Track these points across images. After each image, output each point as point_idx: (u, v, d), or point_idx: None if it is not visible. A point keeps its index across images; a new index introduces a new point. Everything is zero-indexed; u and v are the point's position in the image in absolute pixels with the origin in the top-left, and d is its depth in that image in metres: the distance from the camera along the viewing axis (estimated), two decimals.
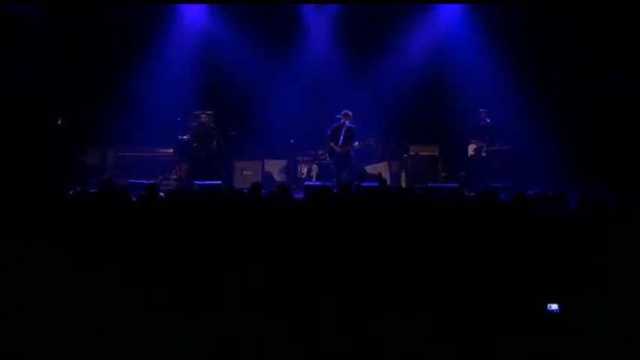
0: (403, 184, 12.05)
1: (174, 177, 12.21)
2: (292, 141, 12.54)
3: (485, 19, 12.50)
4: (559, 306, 4.44)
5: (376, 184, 9.31)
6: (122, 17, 12.24)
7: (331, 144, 11.32)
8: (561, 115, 11.97)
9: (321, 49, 13.00)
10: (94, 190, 7.30)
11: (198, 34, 12.92)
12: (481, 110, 11.86)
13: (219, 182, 10.92)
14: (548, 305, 4.45)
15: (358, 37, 12.84)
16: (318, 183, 11.13)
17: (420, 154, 12.51)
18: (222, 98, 12.86)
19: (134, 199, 6.66)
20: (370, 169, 12.22)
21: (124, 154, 12.34)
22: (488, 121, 11.81)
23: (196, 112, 12.12)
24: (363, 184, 9.54)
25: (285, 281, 4.54)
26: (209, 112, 12.42)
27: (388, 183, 11.68)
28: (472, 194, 8.64)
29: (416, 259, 4.83)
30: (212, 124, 12.24)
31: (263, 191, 7.39)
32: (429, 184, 10.39)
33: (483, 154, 11.76)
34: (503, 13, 12.24)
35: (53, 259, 4.56)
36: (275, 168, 12.78)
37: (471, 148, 11.96)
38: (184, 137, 11.97)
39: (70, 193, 7.61)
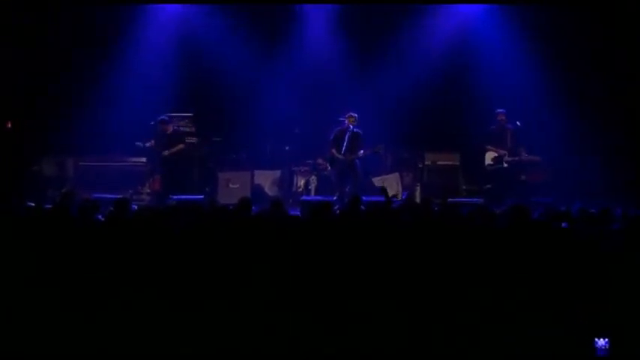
0: (417, 199, 12.00)
1: (148, 190, 12.18)
2: (287, 148, 12.52)
3: (515, 15, 12.58)
4: (608, 342, 4.44)
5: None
6: (89, 15, 12.36)
7: (333, 151, 11.29)
8: (604, 122, 11.98)
9: (322, 46, 13.05)
10: (50, 206, 7.26)
11: (177, 30, 12.98)
12: (498, 111, 11.73)
13: (201, 197, 10.89)
14: (596, 341, 4.45)
15: (364, 34, 12.89)
16: (318, 198, 11.10)
17: (438, 163, 12.48)
18: (205, 99, 12.87)
19: (100, 216, 6.62)
20: (378, 181, 12.18)
21: (88, 163, 12.30)
22: (508, 125, 11.70)
23: (164, 117, 12.00)
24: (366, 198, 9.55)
25: (278, 316, 4.54)
26: (187, 115, 12.42)
27: (396, 196, 11.68)
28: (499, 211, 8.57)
29: (435, 288, 4.81)
30: (188, 129, 12.23)
31: (253, 208, 7.35)
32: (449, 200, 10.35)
33: (504, 165, 11.69)
34: (535, 10, 12.35)
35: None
36: (267, 180, 12.74)
37: (489, 157, 11.86)
38: (147, 144, 11.85)
39: (22, 209, 7.56)
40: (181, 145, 11.79)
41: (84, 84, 12.42)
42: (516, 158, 11.62)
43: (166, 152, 11.61)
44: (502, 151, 11.68)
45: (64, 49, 12.48)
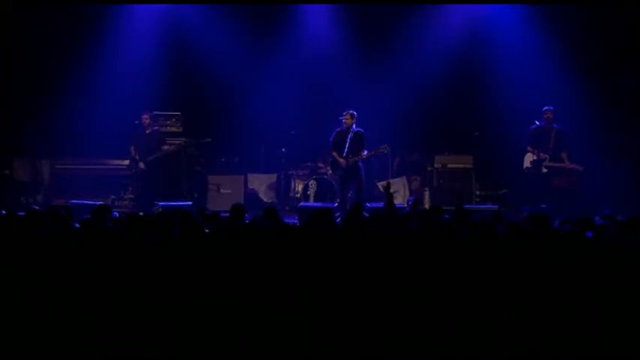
0: (426, 205, 11.98)
1: (131, 196, 12.15)
2: (283, 150, 12.48)
3: (530, 14, 12.64)
4: None
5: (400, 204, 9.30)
6: (70, 14, 12.47)
7: (334, 154, 11.26)
8: (633, 125, 11.99)
9: (323, 43, 13.08)
10: (22, 214, 7.23)
11: (166, 28, 12.99)
12: (545, 109, 11.51)
13: (189, 203, 10.87)
14: None
15: (370, 31, 12.94)
16: (318, 204, 11.06)
17: (449, 166, 12.45)
18: (194, 98, 12.90)
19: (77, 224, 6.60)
20: (383, 185, 12.14)
21: (66, 166, 12.27)
22: (555, 125, 11.53)
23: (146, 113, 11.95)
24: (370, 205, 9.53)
25: (273, 333, 4.51)
26: (174, 114, 12.42)
27: (403, 201, 11.67)
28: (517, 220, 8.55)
29: (444, 302, 4.78)
30: (175, 129, 12.24)
31: (246, 215, 7.33)
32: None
33: (544, 170, 11.51)
34: (551, 8, 12.43)
35: None
36: (261, 185, 12.76)
37: (528, 159, 11.67)
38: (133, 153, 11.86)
39: None
40: (166, 147, 11.78)
41: (62, 81, 12.40)
42: (557, 164, 11.43)
43: (150, 158, 11.66)
44: (543, 155, 11.47)
45: (40, 46, 12.50)
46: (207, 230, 6.34)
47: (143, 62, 12.71)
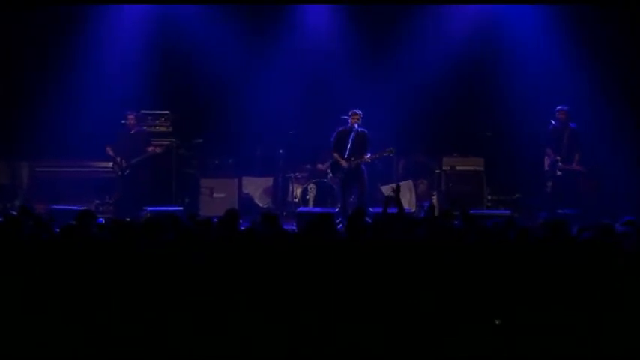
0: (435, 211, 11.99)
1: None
2: (281, 151, 12.49)
3: (539, 14, 12.71)
4: None
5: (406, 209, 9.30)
6: (55, 13, 12.52)
7: (335, 155, 11.27)
8: None
9: (323, 40, 13.13)
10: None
11: (156, 27, 12.99)
12: (558, 108, 11.54)
13: (180, 208, 10.88)
14: None
15: (373, 30, 12.99)
16: (317, 209, 11.07)
17: (458, 169, 12.46)
18: (185, 96, 12.91)
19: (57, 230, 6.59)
20: (387, 190, 12.15)
21: (46, 169, 12.27)
22: (571, 125, 11.56)
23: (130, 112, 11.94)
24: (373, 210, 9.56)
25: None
26: (163, 113, 12.43)
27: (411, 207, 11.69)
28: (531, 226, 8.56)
29: (453, 314, 4.77)
30: (165, 129, 12.24)
31: (241, 221, 7.32)
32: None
33: (558, 173, 11.52)
34: (562, 7, 12.50)
35: None
36: (257, 189, 12.75)
37: (547, 162, 11.69)
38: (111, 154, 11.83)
39: None
40: (152, 149, 11.76)
41: (43, 80, 12.40)
42: (570, 166, 11.45)
43: (134, 160, 11.62)
44: (556, 157, 11.50)
45: (21, 45, 12.55)
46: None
47: (132, 61, 12.70)
